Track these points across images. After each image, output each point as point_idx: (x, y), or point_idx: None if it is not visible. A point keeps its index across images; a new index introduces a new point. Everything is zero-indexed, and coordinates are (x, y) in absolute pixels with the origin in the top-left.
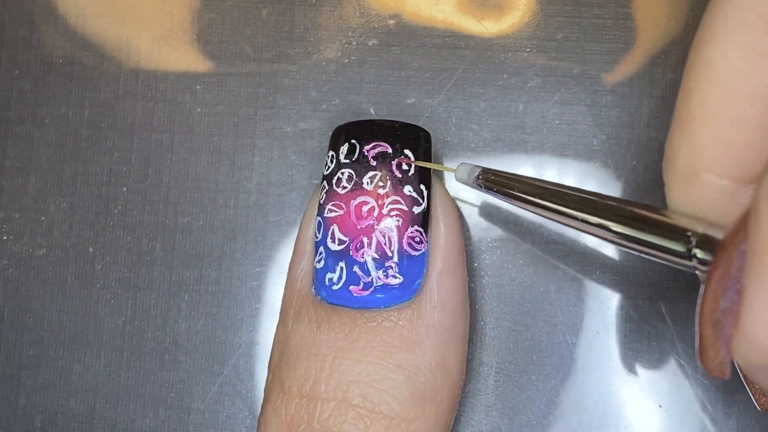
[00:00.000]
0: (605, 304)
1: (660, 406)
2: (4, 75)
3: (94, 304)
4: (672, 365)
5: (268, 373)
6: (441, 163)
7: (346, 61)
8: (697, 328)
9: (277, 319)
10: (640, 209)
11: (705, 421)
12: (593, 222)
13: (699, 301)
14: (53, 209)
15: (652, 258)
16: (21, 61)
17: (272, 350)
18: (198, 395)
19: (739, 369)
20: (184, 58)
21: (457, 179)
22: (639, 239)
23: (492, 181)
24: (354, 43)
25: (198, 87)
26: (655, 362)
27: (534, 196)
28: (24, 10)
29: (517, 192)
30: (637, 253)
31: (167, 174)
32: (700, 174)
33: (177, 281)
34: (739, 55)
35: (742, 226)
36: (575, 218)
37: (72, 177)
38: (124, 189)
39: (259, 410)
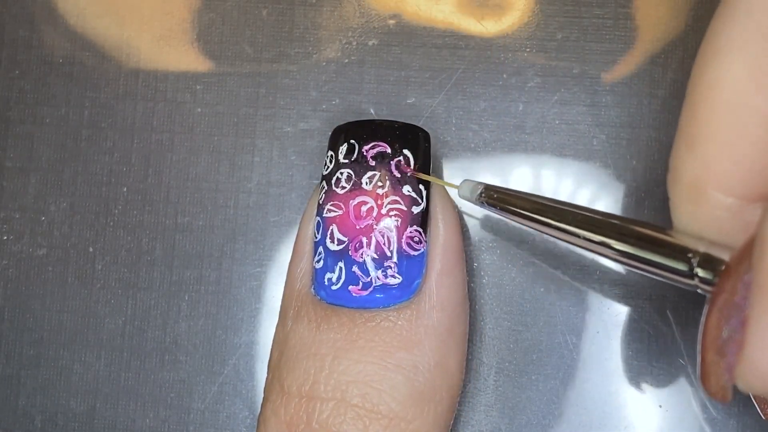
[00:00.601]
0: (605, 304)
1: (660, 406)
2: (4, 75)
3: (94, 304)
4: (672, 365)
5: (267, 373)
6: (441, 164)
7: (346, 61)
8: (699, 352)
9: (277, 319)
10: (643, 228)
11: (705, 422)
12: (596, 240)
13: (701, 326)
14: (53, 209)
15: (654, 276)
16: (21, 61)
17: (272, 350)
18: (198, 395)
19: None
20: (184, 58)
21: (459, 196)
22: (641, 258)
23: (495, 199)
24: (354, 43)
25: (198, 87)
26: (655, 362)
27: (536, 214)
28: (24, 10)
29: (520, 210)
30: (640, 272)
31: (167, 174)
32: (706, 191)
33: (177, 281)
34: (745, 74)
35: (747, 254)
36: (578, 236)
37: (72, 177)
38: (124, 189)
39: (259, 410)
